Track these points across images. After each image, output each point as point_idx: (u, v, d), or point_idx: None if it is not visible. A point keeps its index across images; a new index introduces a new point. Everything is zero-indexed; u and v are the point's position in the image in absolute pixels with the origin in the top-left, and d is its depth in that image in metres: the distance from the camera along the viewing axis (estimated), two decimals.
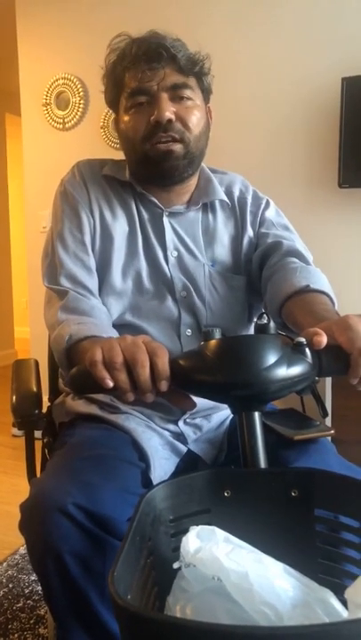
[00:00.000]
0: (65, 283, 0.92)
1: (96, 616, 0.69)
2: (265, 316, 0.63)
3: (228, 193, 1.04)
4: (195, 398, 0.66)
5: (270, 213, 1.05)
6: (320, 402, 0.80)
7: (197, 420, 0.95)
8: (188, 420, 0.94)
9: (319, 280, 0.91)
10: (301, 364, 0.60)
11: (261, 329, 0.63)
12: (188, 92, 0.93)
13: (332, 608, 0.45)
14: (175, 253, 0.98)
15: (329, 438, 0.87)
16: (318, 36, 2.19)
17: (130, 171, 0.99)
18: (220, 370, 0.59)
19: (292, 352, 0.60)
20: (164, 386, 0.63)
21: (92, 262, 0.95)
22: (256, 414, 0.61)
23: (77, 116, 2.76)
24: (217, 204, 1.03)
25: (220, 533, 0.49)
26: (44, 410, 1.02)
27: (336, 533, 0.57)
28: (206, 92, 0.99)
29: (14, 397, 0.97)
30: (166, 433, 0.91)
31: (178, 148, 0.91)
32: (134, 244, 0.97)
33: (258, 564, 0.46)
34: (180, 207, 1.00)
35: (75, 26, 2.72)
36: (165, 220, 0.98)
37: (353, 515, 0.55)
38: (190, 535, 0.49)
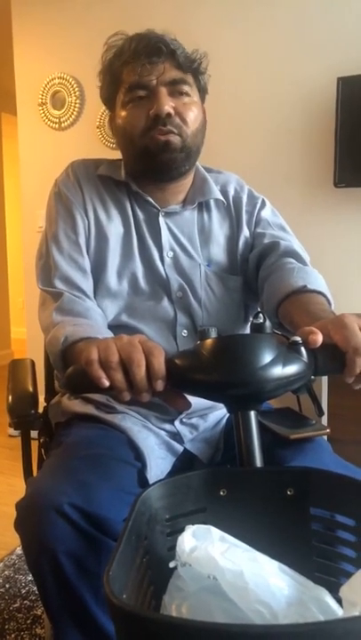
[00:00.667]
0: (59, 285, 0.92)
1: (91, 616, 0.69)
2: (261, 315, 0.63)
3: (223, 192, 1.04)
4: (190, 398, 0.66)
5: (266, 213, 1.05)
6: (316, 401, 0.80)
7: (194, 420, 0.95)
8: (184, 420, 0.94)
9: (316, 280, 0.91)
10: (297, 362, 0.60)
11: (257, 328, 0.63)
12: (186, 88, 0.93)
13: (327, 606, 0.45)
14: (171, 254, 0.97)
15: (325, 437, 0.87)
16: (314, 37, 2.20)
17: (126, 169, 0.99)
18: (215, 369, 0.59)
19: (288, 351, 0.61)
20: (159, 385, 0.63)
21: (87, 264, 0.95)
22: (252, 413, 0.61)
23: (73, 116, 2.75)
24: (212, 203, 1.03)
25: (215, 532, 0.49)
26: (41, 410, 1.02)
27: (332, 532, 0.57)
28: (203, 92, 0.99)
29: (10, 397, 0.97)
30: (162, 432, 0.91)
31: (176, 140, 0.91)
32: (129, 245, 0.97)
33: (253, 562, 0.46)
34: (175, 207, 1.00)
35: (71, 25, 2.71)
36: (161, 219, 0.98)
37: (349, 513, 0.55)
38: (186, 534, 0.49)
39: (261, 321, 0.62)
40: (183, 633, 0.36)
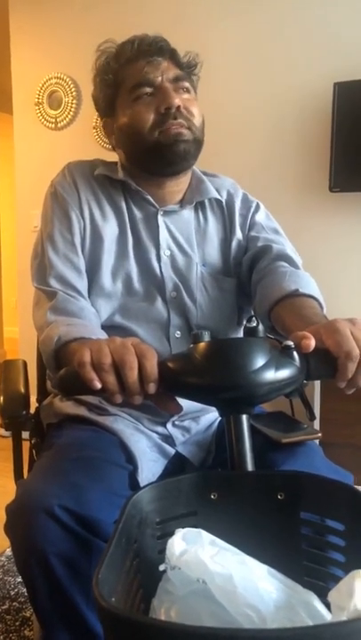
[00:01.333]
0: (54, 284, 0.92)
1: (81, 618, 0.69)
2: (254, 319, 0.64)
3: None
4: (182, 402, 0.66)
5: (260, 217, 1.06)
6: (308, 405, 0.80)
7: (186, 423, 0.95)
8: (176, 423, 0.94)
9: (308, 284, 0.92)
10: (289, 367, 0.60)
11: (250, 332, 0.63)
12: (187, 85, 0.96)
13: (315, 611, 0.45)
14: (168, 252, 0.98)
15: (317, 441, 0.88)
16: (311, 42, 2.21)
17: (125, 169, 0.99)
18: (208, 372, 0.60)
19: (281, 355, 0.61)
20: (152, 388, 0.63)
21: (82, 263, 0.95)
22: (244, 417, 0.61)
23: (70, 116, 2.75)
24: (208, 205, 1.03)
25: (205, 536, 0.49)
26: (32, 410, 1.02)
27: (321, 536, 0.57)
28: (195, 91, 1.00)
29: (2, 398, 0.96)
30: (154, 435, 0.91)
31: (187, 132, 0.93)
32: (124, 245, 0.97)
33: (242, 566, 0.46)
34: (174, 206, 1.00)
35: (68, 26, 2.71)
36: (160, 218, 0.98)
37: (338, 518, 0.55)
38: (176, 538, 0.49)
39: (254, 325, 0.63)
40: (172, 637, 0.36)
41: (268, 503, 0.57)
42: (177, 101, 0.91)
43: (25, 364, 1.07)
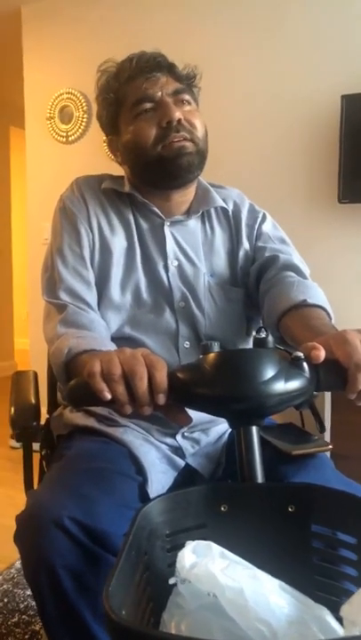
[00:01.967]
0: (64, 297, 0.93)
1: (89, 632, 0.68)
2: (263, 329, 0.64)
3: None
4: (191, 413, 0.66)
5: (267, 227, 1.06)
6: (318, 417, 0.79)
7: (195, 434, 0.94)
8: (186, 434, 0.94)
9: (316, 294, 0.91)
10: (299, 378, 0.60)
11: (260, 343, 0.63)
12: (187, 97, 0.97)
13: (327, 626, 0.45)
14: (175, 262, 0.98)
15: (327, 453, 0.87)
16: (319, 54, 2.23)
17: (131, 183, 1.00)
18: (218, 383, 0.59)
19: (290, 366, 0.61)
20: (161, 399, 0.63)
21: (91, 276, 0.96)
22: (254, 429, 0.61)
23: (80, 130, 2.79)
24: (214, 216, 1.04)
25: (216, 549, 0.49)
26: (43, 422, 1.02)
27: (333, 550, 0.57)
28: (197, 102, 1.02)
29: (13, 409, 0.97)
30: (164, 446, 0.91)
31: (190, 145, 0.94)
32: (132, 258, 0.98)
33: (253, 580, 0.46)
34: (180, 217, 1.01)
35: (81, 41, 2.76)
36: (166, 229, 0.99)
37: (350, 531, 0.54)
38: (186, 550, 0.48)
39: (264, 336, 0.63)
40: None
41: (279, 516, 0.57)
42: (177, 114, 0.92)
43: (36, 375, 1.08)
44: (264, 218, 1.07)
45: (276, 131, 2.32)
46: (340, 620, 0.46)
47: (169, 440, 0.92)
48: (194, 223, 1.02)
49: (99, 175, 1.05)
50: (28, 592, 1.55)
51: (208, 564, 0.46)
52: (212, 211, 1.04)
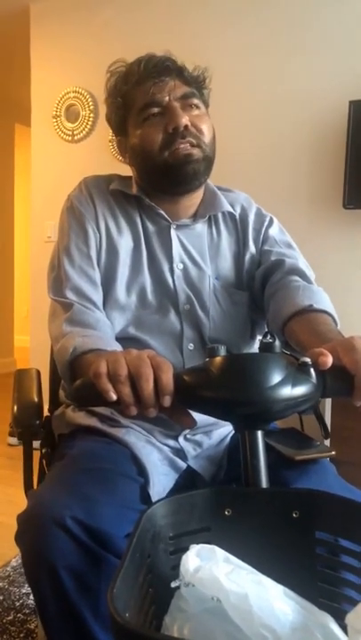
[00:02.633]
0: (70, 295, 0.93)
1: (89, 632, 0.68)
2: (270, 334, 0.63)
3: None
4: (195, 415, 0.66)
5: (274, 231, 1.06)
6: (323, 422, 0.79)
7: (198, 437, 0.94)
8: (188, 436, 0.93)
9: (322, 299, 0.91)
10: (306, 384, 0.60)
11: (267, 348, 0.63)
12: (196, 101, 0.96)
13: (332, 633, 0.44)
14: (181, 265, 0.98)
15: (329, 459, 0.87)
16: (327, 60, 2.23)
17: (139, 185, 1.00)
18: (224, 387, 0.59)
19: (297, 372, 0.60)
20: (167, 401, 0.62)
21: (98, 276, 0.96)
22: (259, 433, 0.60)
23: (87, 129, 2.79)
24: (221, 220, 1.04)
25: (220, 553, 0.49)
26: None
27: (336, 557, 0.56)
28: (207, 105, 1.01)
29: (15, 407, 0.96)
30: (166, 448, 0.91)
31: (196, 151, 0.93)
32: (139, 259, 0.98)
33: (258, 585, 0.45)
34: (186, 220, 1.01)
35: (87, 40, 2.77)
36: (173, 232, 0.99)
37: (354, 538, 0.54)
38: (190, 554, 0.48)
39: (271, 340, 0.62)
40: None
41: (283, 521, 0.56)
42: (184, 120, 0.91)
43: (38, 373, 1.08)
44: (271, 222, 1.07)
45: (283, 135, 2.33)
46: (343, 627, 0.45)
47: (171, 442, 0.92)
48: (200, 226, 1.02)
49: (107, 175, 1.05)
50: (24, 590, 1.54)
51: (212, 568, 0.46)
52: (219, 214, 1.04)
